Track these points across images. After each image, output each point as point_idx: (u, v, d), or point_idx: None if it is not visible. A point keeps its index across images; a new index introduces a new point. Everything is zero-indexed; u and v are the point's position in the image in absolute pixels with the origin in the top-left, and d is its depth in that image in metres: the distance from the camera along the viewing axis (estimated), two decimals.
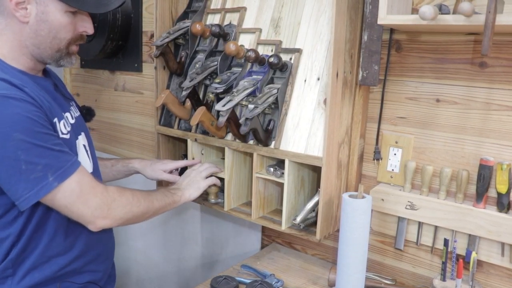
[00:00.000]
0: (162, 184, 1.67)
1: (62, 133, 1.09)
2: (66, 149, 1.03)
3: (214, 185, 1.59)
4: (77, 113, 1.26)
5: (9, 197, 1.00)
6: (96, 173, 1.25)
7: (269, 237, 1.77)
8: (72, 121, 1.18)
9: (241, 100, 1.29)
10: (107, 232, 1.28)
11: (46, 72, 1.20)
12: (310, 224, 1.40)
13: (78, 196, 1.02)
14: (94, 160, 1.26)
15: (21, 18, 1.03)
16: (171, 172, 1.52)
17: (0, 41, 1.06)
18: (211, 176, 1.45)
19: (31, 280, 1.09)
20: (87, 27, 1.13)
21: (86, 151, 1.22)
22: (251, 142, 1.39)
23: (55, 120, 1.07)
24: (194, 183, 1.39)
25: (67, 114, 1.17)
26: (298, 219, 1.36)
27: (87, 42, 1.90)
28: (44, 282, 1.11)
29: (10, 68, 1.05)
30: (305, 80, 1.33)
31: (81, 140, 1.20)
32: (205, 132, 1.50)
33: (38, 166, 0.96)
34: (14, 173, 0.95)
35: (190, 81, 1.45)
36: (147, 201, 1.19)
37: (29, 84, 1.04)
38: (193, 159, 1.56)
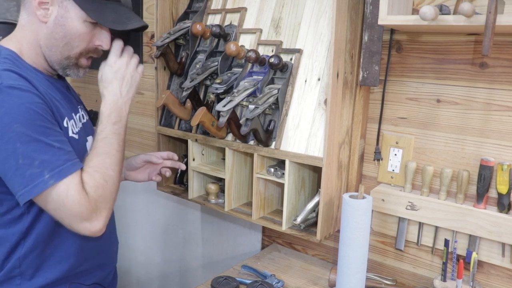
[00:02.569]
0: (162, 183, 1.67)
1: (73, 132, 1.07)
2: (68, 148, 0.99)
3: (215, 184, 1.59)
4: (87, 117, 1.25)
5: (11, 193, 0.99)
6: None
7: (270, 238, 1.77)
8: (81, 124, 1.17)
9: (242, 100, 1.29)
10: (113, 233, 1.28)
11: (60, 76, 1.19)
12: (310, 225, 1.40)
13: (64, 203, 0.95)
14: None
15: (40, 17, 1.03)
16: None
17: (20, 36, 1.06)
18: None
19: (43, 280, 1.08)
20: (103, 41, 1.10)
21: None
22: (251, 142, 1.39)
23: (65, 119, 1.05)
24: (124, 76, 1.15)
25: (77, 116, 1.16)
26: (299, 219, 1.36)
27: None
28: (56, 282, 1.10)
29: (24, 63, 1.05)
30: (305, 81, 1.33)
31: (90, 142, 1.19)
32: (205, 133, 1.50)
33: (35, 162, 0.92)
34: (11, 166, 0.92)
35: (190, 82, 1.45)
36: (114, 164, 1.04)
37: (41, 80, 1.04)
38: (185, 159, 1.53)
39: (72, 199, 0.95)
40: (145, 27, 1.15)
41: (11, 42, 1.06)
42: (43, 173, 0.93)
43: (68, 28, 1.04)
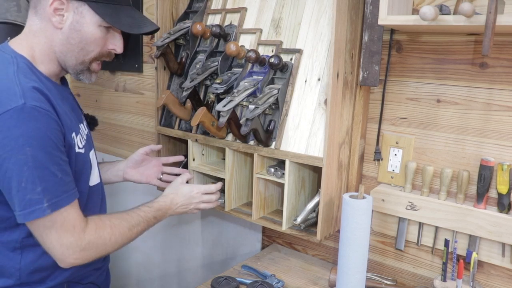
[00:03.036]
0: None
1: (79, 148, 1.08)
2: (69, 178, 1.00)
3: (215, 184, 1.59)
4: (85, 122, 1.25)
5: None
6: (101, 183, 1.25)
7: (270, 238, 1.77)
8: (86, 132, 1.18)
9: (242, 100, 1.29)
10: None
11: (63, 80, 1.20)
12: (310, 225, 1.40)
13: (57, 230, 0.98)
14: (99, 169, 1.26)
15: (56, 23, 1.03)
16: (147, 155, 1.51)
17: (32, 42, 1.06)
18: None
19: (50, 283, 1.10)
20: (117, 45, 1.12)
21: (97, 162, 1.23)
22: (251, 142, 1.39)
23: (73, 134, 1.06)
24: (190, 204, 1.34)
25: (81, 125, 1.17)
26: (299, 219, 1.36)
27: None
28: (56, 286, 1.11)
29: (38, 72, 1.04)
30: (305, 81, 1.33)
31: (92, 151, 1.20)
32: (205, 133, 1.50)
33: (38, 188, 0.93)
34: (13, 187, 0.93)
35: (190, 82, 1.45)
36: (125, 237, 1.11)
37: (53, 91, 1.04)
38: (184, 160, 1.58)
39: (66, 229, 0.98)
40: (158, 29, 1.18)
41: (22, 48, 1.05)
42: (42, 201, 0.94)
43: (84, 33, 1.05)
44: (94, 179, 1.18)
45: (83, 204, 1.11)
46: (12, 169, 0.92)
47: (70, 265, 1.02)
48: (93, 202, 1.18)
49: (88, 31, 1.05)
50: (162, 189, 1.72)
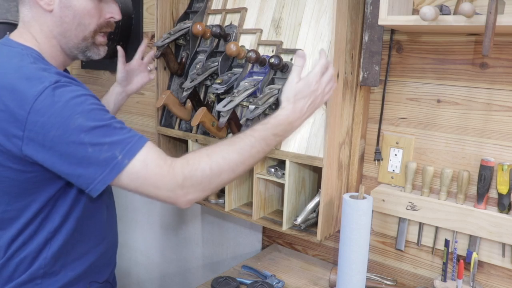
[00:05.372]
0: None
1: None
2: (127, 126, 0.96)
3: None
4: None
5: (46, 192, 0.98)
6: None
7: (270, 238, 1.77)
8: None
9: (242, 100, 1.30)
10: (116, 232, 1.29)
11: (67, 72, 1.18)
12: (310, 225, 1.40)
13: (146, 178, 0.92)
14: None
15: (45, 6, 1.01)
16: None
17: (30, 33, 1.04)
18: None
19: (63, 279, 1.08)
20: (113, 12, 1.09)
21: None
22: None
23: None
24: (315, 99, 1.10)
25: None
26: (299, 219, 1.36)
27: None
28: (76, 279, 1.10)
29: (49, 63, 1.02)
30: None
31: None
32: (206, 133, 1.50)
33: (104, 146, 0.89)
34: (82, 158, 0.89)
35: (191, 82, 1.45)
36: (232, 162, 0.97)
37: None
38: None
39: (153, 172, 0.92)
40: None
41: (26, 40, 1.03)
42: (115, 154, 0.90)
43: (75, 8, 1.03)
44: None
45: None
46: (72, 141, 0.89)
47: (186, 204, 0.95)
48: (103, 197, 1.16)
49: (79, 4, 1.03)
50: None
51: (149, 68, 1.52)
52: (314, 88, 1.08)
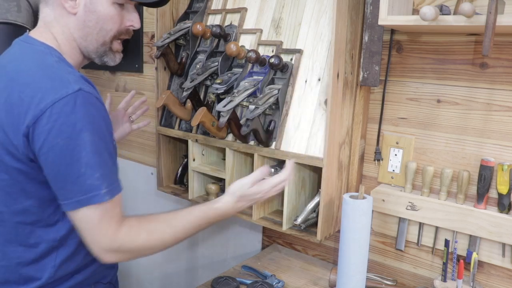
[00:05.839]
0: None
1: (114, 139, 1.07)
2: (116, 168, 1.00)
3: (215, 184, 1.59)
4: None
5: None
6: None
7: (270, 238, 1.77)
8: None
9: (242, 100, 1.30)
10: None
11: None
12: (311, 225, 1.40)
13: (93, 225, 0.95)
14: None
15: (69, 9, 1.02)
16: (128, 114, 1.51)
17: (51, 34, 1.04)
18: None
19: (71, 284, 1.08)
20: (134, 21, 1.10)
21: None
22: (252, 142, 1.39)
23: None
24: (257, 200, 1.16)
25: None
26: (299, 219, 1.36)
27: None
28: (82, 283, 1.10)
29: (69, 64, 1.03)
30: (306, 81, 1.33)
31: None
32: (206, 133, 1.50)
33: (96, 174, 0.92)
34: (72, 173, 0.91)
35: (191, 82, 1.45)
36: (166, 242, 1.07)
37: None
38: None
39: (101, 226, 0.95)
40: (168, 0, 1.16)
41: (47, 39, 1.03)
42: (101, 186, 0.93)
43: (99, 13, 1.03)
44: None
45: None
46: (71, 155, 0.91)
47: (107, 262, 1.00)
48: None
49: (103, 10, 1.03)
50: (162, 186, 1.72)
51: (131, 118, 1.51)
52: (261, 196, 1.14)
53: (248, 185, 1.12)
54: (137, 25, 1.12)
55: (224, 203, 1.12)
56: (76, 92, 0.91)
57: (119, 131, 1.49)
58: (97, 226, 0.96)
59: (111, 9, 1.04)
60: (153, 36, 1.95)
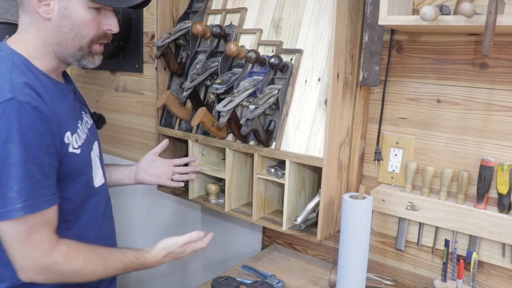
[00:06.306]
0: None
1: (73, 148, 1.05)
2: (49, 182, 0.96)
3: (215, 184, 1.59)
4: (91, 121, 1.24)
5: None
6: (106, 184, 1.25)
7: (270, 238, 1.77)
8: (86, 132, 1.15)
9: (242, 100, 1.29)
10: (114, 240, 1.30)
11: (66, 76, 1.18)
12: (311, 225, 1.40)
13: (24, 239, 0.93)
14: (104, 169, 1.25)
15: (43, 14, 1.01)
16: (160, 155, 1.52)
17: (25, 40, 1.04)
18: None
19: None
20: (111, 24, 1.09)
21: (101, 163, 1.22)
22: (252, 142, 1.39)
23: (68, 134, 1.04)
24: (177, 258, 1.25)
25: (81, 124, 1.14)
26: (299, 220, 1.36)
27: None
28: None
29: (35, 69, 1.03)
30: (306, 81, 1.33)
31: (95, 151, 1.19)
32: (206, 133, 1.50)
33: (15, 187, 0.90)
34: None
35: (191, 82, 1.45)
36: (96, 274, 1.06)
37: (49, 89, 1.02)
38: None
39: (32, 242, 0.94)
40: (148, 1, 1.13)
41: (18, 45, 1.04)
42: (16, 201, 0.91)
43: (74, 18, 1.02)
44: (98, 180, 1.18)
45: (79, 207, 1.10)
46: None
47: (29, 280, 0.97)
48: (98, 203, 1.17)
49: (78, 15, 1.02)
50: (163, 189, 1.72)
51: (172, 176, 1.50)
52: (184, 255, 1.24)
53: (178, 245, 1.21)
54: (115, 29, 1.10)
55: (153, 255, 1.18)
56: (7, 101, 0.90)
57: (150, 175, 1.48)
58: (27, 241, 0.94)
59: (86, 14, 1.03)
60: (153, 36, 1.96)
